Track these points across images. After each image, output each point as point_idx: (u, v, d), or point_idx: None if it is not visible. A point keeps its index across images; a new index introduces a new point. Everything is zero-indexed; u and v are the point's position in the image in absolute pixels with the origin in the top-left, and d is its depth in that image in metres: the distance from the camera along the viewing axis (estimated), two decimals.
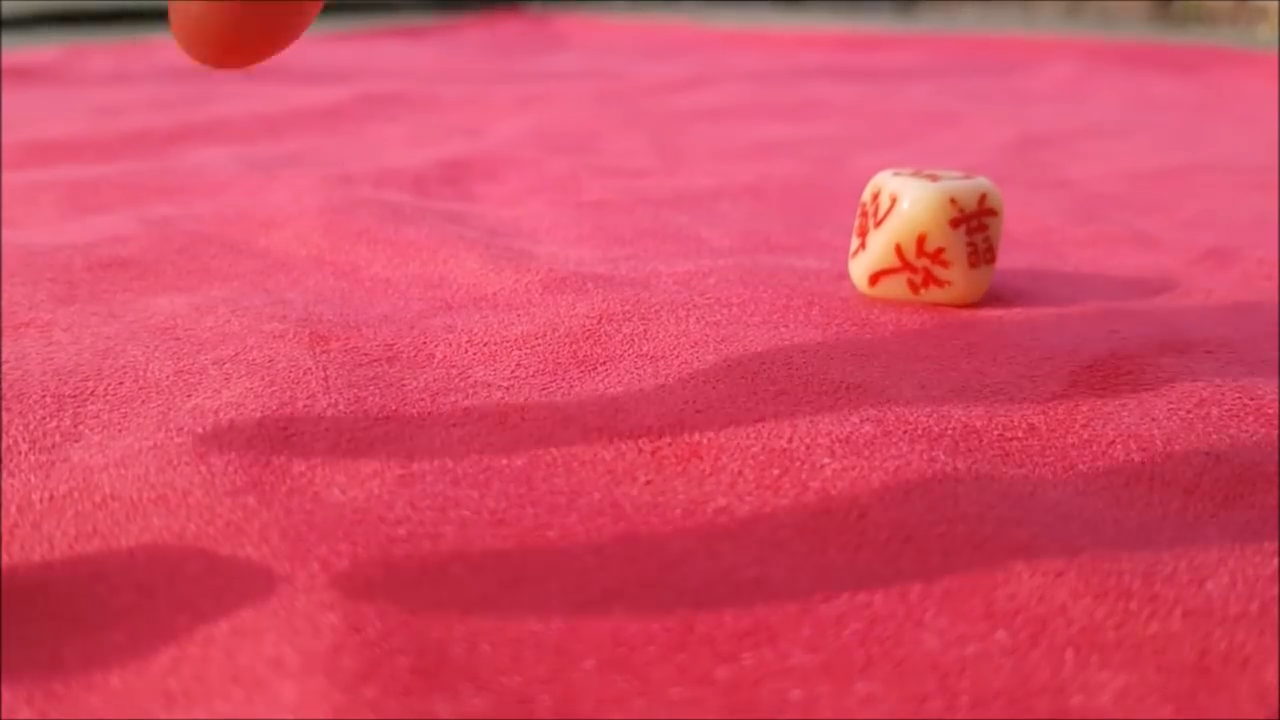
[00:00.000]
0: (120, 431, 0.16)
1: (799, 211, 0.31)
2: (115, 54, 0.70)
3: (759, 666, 0.11)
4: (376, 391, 0.18)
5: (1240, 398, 0.17)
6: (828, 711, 0.11)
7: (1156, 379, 0.18)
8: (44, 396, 0.18)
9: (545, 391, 0.18)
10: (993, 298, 0.23)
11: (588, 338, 0.20)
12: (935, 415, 0.16)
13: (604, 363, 0.19)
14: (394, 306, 0.22)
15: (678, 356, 0.19)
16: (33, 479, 0.15)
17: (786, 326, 0.20)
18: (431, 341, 0.20)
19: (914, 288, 0.22)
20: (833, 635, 0.12)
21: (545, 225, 0.29)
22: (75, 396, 0.18)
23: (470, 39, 0.88)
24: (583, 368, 0.19)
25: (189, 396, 0.17)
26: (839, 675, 0.11)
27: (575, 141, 0.43)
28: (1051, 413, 0.17)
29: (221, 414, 0.17)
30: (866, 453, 0.15)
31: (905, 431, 0.16)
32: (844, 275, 0.24)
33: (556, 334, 0.20)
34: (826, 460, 0.15)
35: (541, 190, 0.34)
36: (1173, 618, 0.12)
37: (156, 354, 0.19)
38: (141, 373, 0.18)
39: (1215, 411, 0.17)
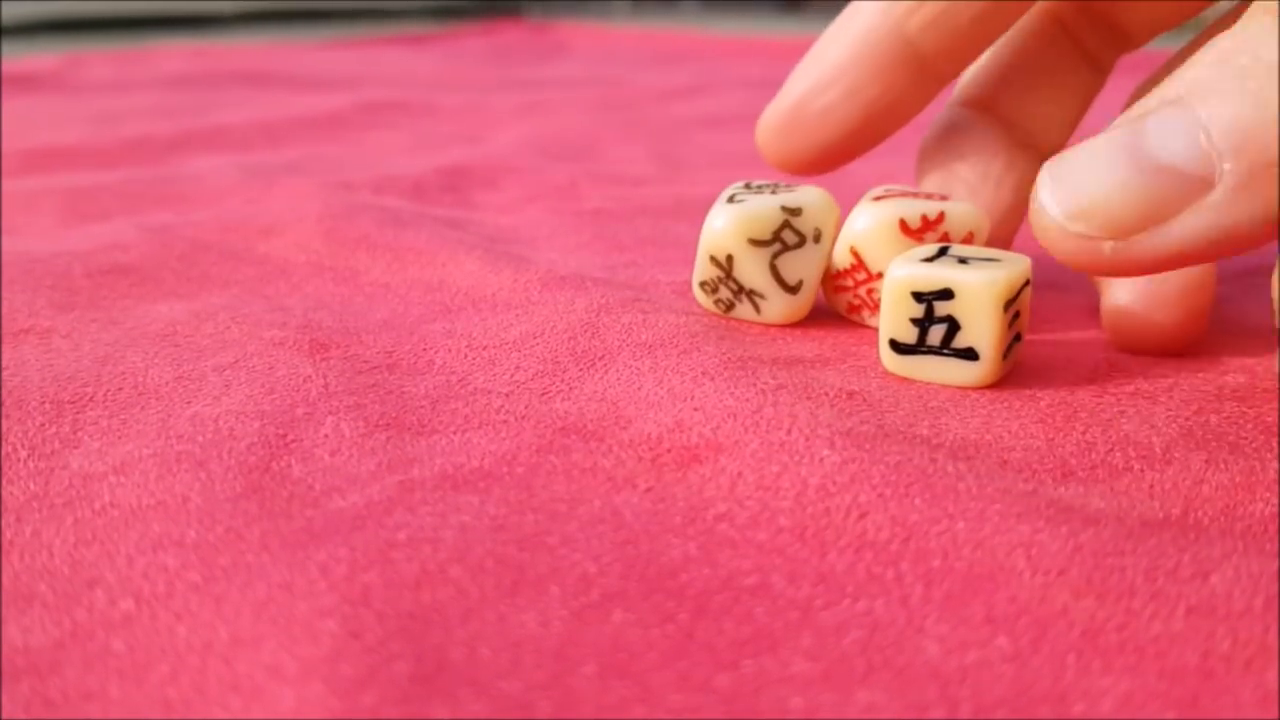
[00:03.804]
0: (119, 438, 0.16)
1: None
2: (115, 62, 0.70)
3: (759, 674, 0.11)
4: (376, 399, 0.18)
5: (1239, 405, 0.17)
6: None
7: (1155, 386, 0.18)
8: (43, 403, 0.18)
9: (545, 396, 0.17)
10: None
11: (586, 331, 0.20)
12: (933, 426, 0.16)
13: (602, 357, 0.19)
14: (393, 312, 0.22)
15: (676, 345, 0.19)
16: (32, 486, 0.15)
17: (784, 340, 0.20)
18: (431, 347, 0.20)
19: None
20: (833, 643, 0.12)
21: (544, 233, 0.29)
22: (74, 403, 0.18)
23: (470, 47, 0.88)
24: (581, 365, 0.19)
25: (188, 403, 0.17)
26: (840, 684, 0.11)
27: (575, 149, 0.43)
28: (1049, 420, 0.17)
29: (221, 420, 0.17)
30: (868, 446, 0.15)
31: (904, 435, 0.16)
32: None
33: (555, 330, 0.20)
34: (826, 452, 0.15)
35: (541, 198, 0.34)
36: (1175, 616, 0.12)
37: (156, 360, 0.19)
38: (141, 379, 0.18)
39: (1214, 419, 0.17)
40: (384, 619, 0.12)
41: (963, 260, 0.18)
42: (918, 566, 0.13)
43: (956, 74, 0.21)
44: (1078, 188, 0.15)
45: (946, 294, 0.17)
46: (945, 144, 0.22)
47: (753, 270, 0.20)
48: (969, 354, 0.18)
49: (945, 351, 0.18)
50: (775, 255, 0.20)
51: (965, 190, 0.22)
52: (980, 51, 0.21)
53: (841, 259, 0.20)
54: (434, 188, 0.34)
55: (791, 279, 0.20)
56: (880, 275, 0.20)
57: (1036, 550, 0.13)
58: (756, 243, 0.20)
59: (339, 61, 0.75)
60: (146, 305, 0.23)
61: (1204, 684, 0.11)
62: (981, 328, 0.17)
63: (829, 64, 0.21)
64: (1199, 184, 0.14)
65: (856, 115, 0.21)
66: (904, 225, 0.19)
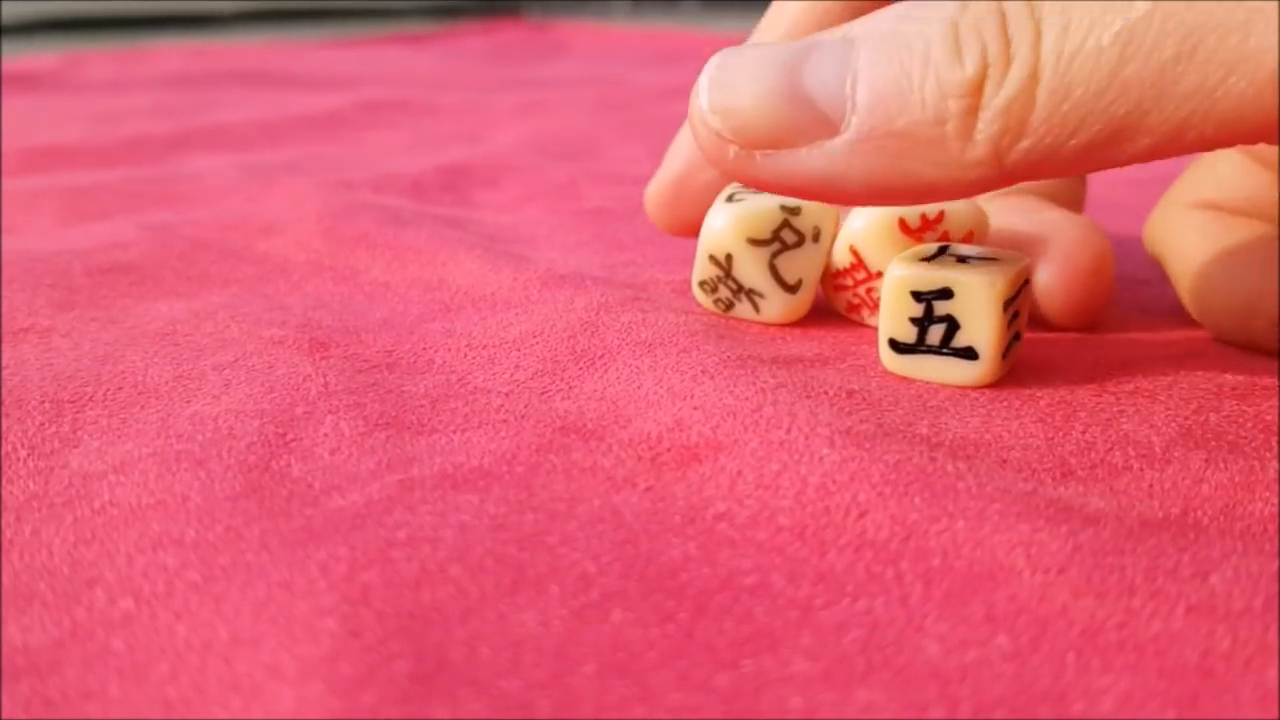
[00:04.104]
0: (119, 437, 0.16)
1: None
2: (115, 61, 0.70)
3: (759, 674, 0.11)
4: (376, 398, 0.18)
5: (1238, 404, 0.17)
6: (828, 719, 0.11)
7: (1155, 385, 0.18)
8: (43, 402, 0.18)
9: (544, 395, 0.17)
10: None
11: (585, 330, 0.20)
12: (933, 426, 0.16)
13: (602, 356, 0.19)
14: (393, 311, 0.22)
15: (675, 344, 0.19)
16: (31, 485, 0.15)
17: (783, 339, 0.20)
18: (431, 347, 0.20)
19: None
20: (833, 642, 0.12)
21: (544, 232, 0.29)
22: (74, 402, 0.18)
23: (470, 46, 0.88)
24: (580, 364, 0.19)
25: (188, 402, 0.17)
26: (839, 683, 0.11)
27: (574, 148, 0.43)
28: (1049, 419, 0.17)
29: (220, 419, 0.17)
30: (867, 445, 0.15)
31: (904, 434, 0.16)
32: None
33: (555, 330, 0.20)
34: (826, 451, 0.15)
35: (540, 197, 0.34)
36: (1175, 615, 0.12)
37: (156, 360, 0.19)
38: (141, 378, 0.18)
39: (1214, 419, 0.17)
40: (384, 618, 0.12)
41: (962, 259, 0.18)
42: (917, 565, 0.13)
43: None
44: (728, 86, 0.15)
45: (946, 293, 0.17)
46: None
47: (752, 269, 0.20)
48: (968, 353, 0.18)
49: (945, 351, 0.18)
50: (774, 255, 0.20)
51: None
52: None
53: (841, 258, 0.20)
54: (434, 187, 0.34)
55: (790, 278, 0.20)
56: (880, 274, 0.20)
57: (1036, 549, 0.13)
58: (756, 242, 0.20)
59: (338, 61, 0.75)
60: (146, 304, 0.23)
61: (1203, 683, 0.11)
62: (981, 327, 0.17)
63: None
64: (826, 126, 0.14)
65: None
66: (903, 224, 0.19)
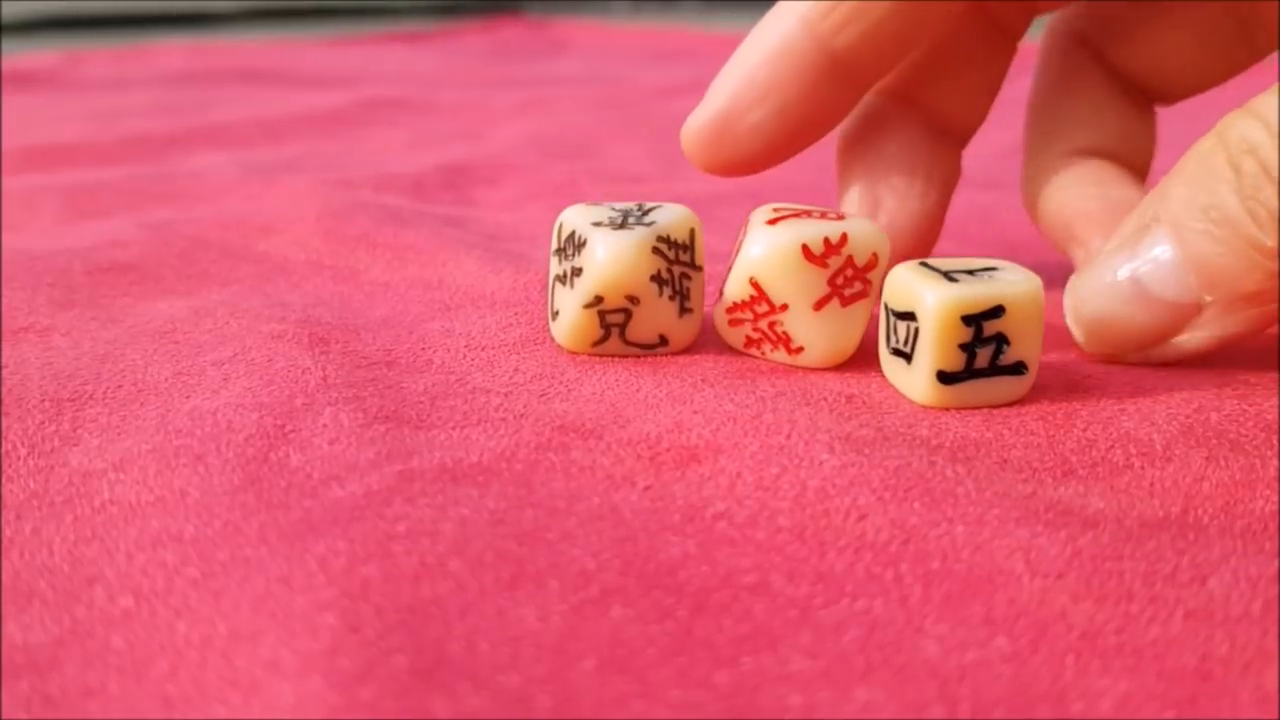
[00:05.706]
0: (119, 435, 0.16)
1: None
2: (115, 59, 0.70)
3: (759, 672, 0.11)
4: (375, 393, 0.18)
5: (1239, 404, 0.17)
6: (828, 718, 0.11)
7: (1155, 385, 0.18)
8: (43, 401, 0.18)
9: (544, 396, 0.17)
10: None
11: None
12: (934, 428, 0.16)
13: (601, 360, 0.19)
14: (393, 310, 0.22)
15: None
16: (31, 484, 0.15)
17: None
18: (430, 346, 0.20)
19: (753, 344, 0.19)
20: (832, 641, 0.12)
21: (545, 230, 0.29)
22: (74, 400, 0.18)
23: (470, 44, 0.88)
24: (580, 366, 0.19)
25: (187, 398, 0.17)
26: (839, 682, 0.11)
27: (575, 147, 0.43)
28: (1050, 418, 0.17)
29: (220, 413, 0.17)
30: (867, 451, 0.15)
31: (904, 438, 0.16)
32: None
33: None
34: (825, 456, 0.15)
35: (541, 195, 0.34)
36: (1173, 620, 0.12)
37: (155, 357, 0.19)
38: (140, 376, 0.18)
39: (1215, 417, 0.17)
40: (383, 612, 0.12)
41: (971, 273, 0.17)
42: (917, 568, 0.13)
43: (880, 77, 0.20)
44: (1093, 318, 0.18)
45: (997, 311, 0.16)
46: (865, 141, 0.22)
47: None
48: (1017, 369, 0.17)
49: (994, 372, 0.17)
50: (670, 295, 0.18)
51: (895, 200, 0.22)
52: (900, 54, 0.20)
53: (738, 291, 0.18)
54: (434, 185, 0.34)
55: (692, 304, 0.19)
56: (785, 307, 0.18)
57: (1035, 554, 0.13)
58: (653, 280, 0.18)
59: (339, 59, 0.75)
60: (146, 303, 0.23)
61: (1202, 685, 0.11)
62: (1031, 338, 0.17)
63: (754, 81, 0.20)
64: (1191, 309, 0.17)
65: (786, 130, 0.20)
66: (807, 251, 0.18)
